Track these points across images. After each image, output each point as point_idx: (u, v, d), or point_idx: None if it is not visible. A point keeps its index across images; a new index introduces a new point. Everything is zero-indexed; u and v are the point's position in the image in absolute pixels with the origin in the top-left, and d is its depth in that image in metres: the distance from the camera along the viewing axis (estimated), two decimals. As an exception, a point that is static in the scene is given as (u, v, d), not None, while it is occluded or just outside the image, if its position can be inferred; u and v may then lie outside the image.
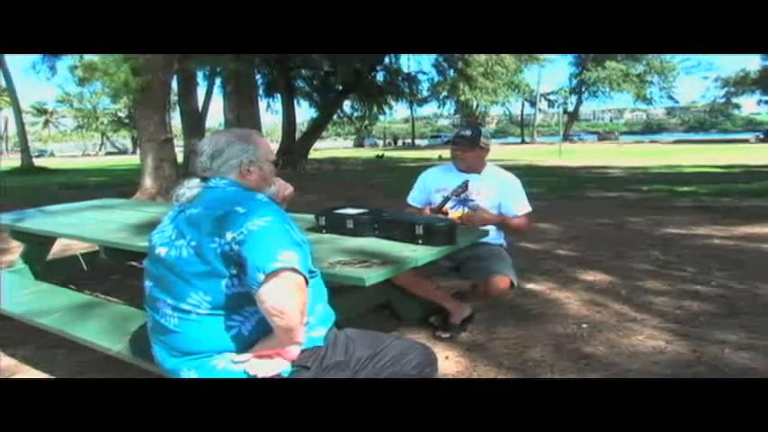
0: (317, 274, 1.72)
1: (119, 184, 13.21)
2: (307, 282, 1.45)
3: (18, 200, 10.39)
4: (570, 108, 54.03)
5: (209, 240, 1.49)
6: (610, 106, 71.05)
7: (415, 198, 3.26)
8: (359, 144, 57.51)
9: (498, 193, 3.05)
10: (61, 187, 13.80)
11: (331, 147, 55.65)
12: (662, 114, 77.34)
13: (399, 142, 61.93)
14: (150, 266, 1.66)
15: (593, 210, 7.84)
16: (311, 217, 2.90)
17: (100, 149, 64.06)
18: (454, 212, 3.05)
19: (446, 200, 3.02)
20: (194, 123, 13.43)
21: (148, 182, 9.50)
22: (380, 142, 62.53)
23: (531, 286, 3.92)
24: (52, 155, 59.01)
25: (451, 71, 27.75)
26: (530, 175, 13.83)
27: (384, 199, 8.34)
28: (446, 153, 3.24)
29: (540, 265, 4.54)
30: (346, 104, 24.92)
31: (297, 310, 1.41)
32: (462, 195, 3.03)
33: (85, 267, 4.14)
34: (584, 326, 3.14)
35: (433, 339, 2.98)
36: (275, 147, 22.24)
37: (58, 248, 4.82)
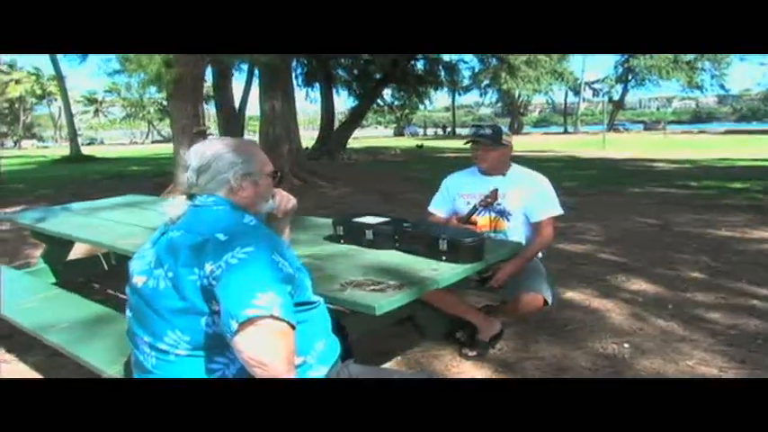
0: (319, 304, 1.52)
1: (157, 174, 13.35)
2: (293, 326, 1.26)
3: (57, 191, 10.60)
4: (616, 96, 52.23)
5: (188, 272, 1.31)
6: (657, 95, 68.46)
7: (437, 204, 3.01)
8: (399, 133, 57.08)
9: (525, 195, 2.79)
10: (102, 177, 14.05)
11: (371, 135, 55.38)
12: (712, 103, 74.14)
13: (448, 130, 59.52)
14: (130, 295, 1.47)
15: (636, 208, 7.42)
16: (329, 221, 2.73)
17: (147, 137, 65.74)
18: (481, 218, 2.83)
19: (474, 210, 2.79)
20: (229, 114, 13.37)
21: (182, 175, 9.51)
22: (421, 131, 61.83)
23: (568, 295, 3.66)
24: (102, 143, 61.62)
25: (493, 60, 27.13)
26: (570, 168, 13.30)
27: (419, 194, 8.10)
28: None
29: (577, 271, 4.26)
30: (386, 93, 24.75)
31: (280, 360, 1.21)
32: (492, 203, 2.80)
33: (106, 267, 4.07)
34: (626, 345, 2.88)
35: (459, 357, 2.77)
36: (315, 135, 22.26)
37: (86, 245, 4.78)
